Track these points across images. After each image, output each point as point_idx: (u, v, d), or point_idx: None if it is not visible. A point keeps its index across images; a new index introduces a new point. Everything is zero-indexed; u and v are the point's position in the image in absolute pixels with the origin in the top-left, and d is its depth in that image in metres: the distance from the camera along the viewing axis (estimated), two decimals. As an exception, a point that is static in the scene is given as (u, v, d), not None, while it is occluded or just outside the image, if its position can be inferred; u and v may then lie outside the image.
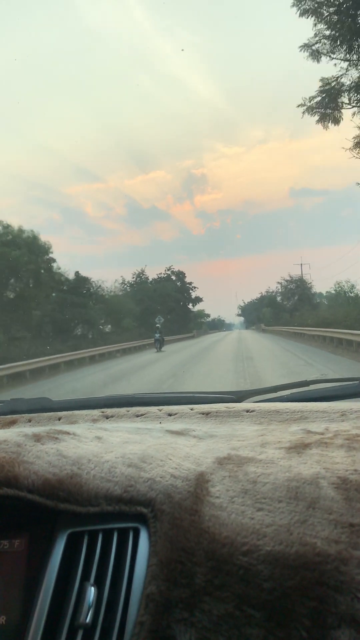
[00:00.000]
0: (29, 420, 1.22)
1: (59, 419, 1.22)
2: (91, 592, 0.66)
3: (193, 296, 61.35)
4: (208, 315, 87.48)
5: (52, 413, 1.27)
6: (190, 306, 62.00)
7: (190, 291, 61.56)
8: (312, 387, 1.37)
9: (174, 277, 60.15)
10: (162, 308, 48.42)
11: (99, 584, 0.67)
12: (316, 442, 0.86)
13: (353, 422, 1.00)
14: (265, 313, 64.87)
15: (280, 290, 60.55)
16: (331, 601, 0.57)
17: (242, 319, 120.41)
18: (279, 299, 62.35)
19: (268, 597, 0.59)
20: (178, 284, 60.36)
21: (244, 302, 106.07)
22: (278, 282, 60.18)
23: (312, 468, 0.75)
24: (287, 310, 55.98)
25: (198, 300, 62.39)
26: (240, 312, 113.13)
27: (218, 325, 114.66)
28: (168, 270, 60.24)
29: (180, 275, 61.23)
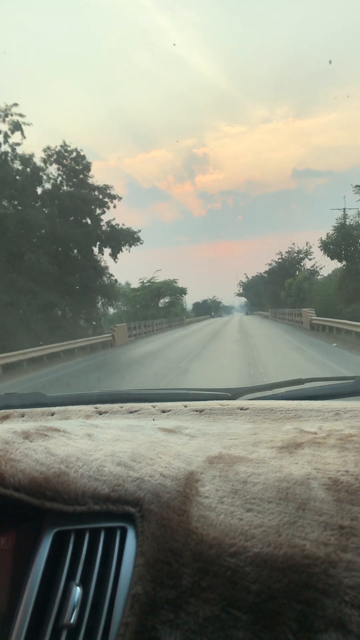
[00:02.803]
0: (22, 416, 1.21)
1: (52, 415, 1.21)
2: (76, 591, 0.65)
3: (106, 226, 21.24)
4: (183, 292, 48.03)
5: (45, 408, 1.26)
6: (102, 257, 22.16)
7: (104, 209, 21.62)
8: (307, 385, 1.34)
9: (43, 162, 20.28)
10: None
11: (85, 584, 0.67)
12: (309, 441, 0.85)
13: (347, 421, 0.98)
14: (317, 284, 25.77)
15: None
16: (319, 604, 0.57)
17: (243, 300, 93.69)
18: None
19: (255, 600, 0.58)
20: (64, 184, 20.40)
21: (248, 278, 75.27)
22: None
23: (304, 468, 0.74)
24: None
25: (131, 238, 22.39)
26: (241, 291, 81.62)
27: (214, 308, 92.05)
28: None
29: (74, 159, 21.02)
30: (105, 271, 22.97)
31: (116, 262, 22.66)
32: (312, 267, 44.46)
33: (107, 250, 22.75)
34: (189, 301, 70.20)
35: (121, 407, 1.21)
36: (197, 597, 0.60)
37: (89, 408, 1.22)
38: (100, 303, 24.74)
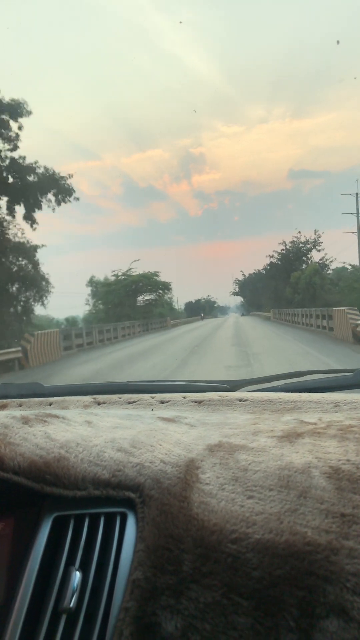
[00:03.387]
0: (20, 405, 1.21)
1: (50, 404, 1.21)
2: (76, 576, 0.65)
3: (6, 162, 12.71)
4: (166, 287, 39.56)
5: (43, 398, 1.26)
6: (17, 223, 13.56)
7: (14, 143, 12.97)
8: (306, 377, 1.34)
9: None
10: None
11: (85, 569, 0.67)
12: (309, 431, 0.86)
13: (346, 413, 0.98)
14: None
15: None
16: (320, 591, 0.57)
17: (239, 300, 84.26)
18: None
19: (256, 586, 0.59)
20: None
21: (244, 275, 67.05)
22: None
23: (304, 457, 0.75)
24: None
25: (55, 186, 13.67)
26: (237, 290, 74.90)
27: (208, 308, 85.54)
28: None
29: None
30: (14, 244, 14.27)
31: (34, 228, 14.06)
32: (321, 259, 36.49)
33: (21, 211, 14.12)
34: (182, 300, 61.68)
35: (120, 398, 1.21)
36: (197, 583, 0.60)
37: (88, 399, 1.22)
38: (22, 297, 16.18)
